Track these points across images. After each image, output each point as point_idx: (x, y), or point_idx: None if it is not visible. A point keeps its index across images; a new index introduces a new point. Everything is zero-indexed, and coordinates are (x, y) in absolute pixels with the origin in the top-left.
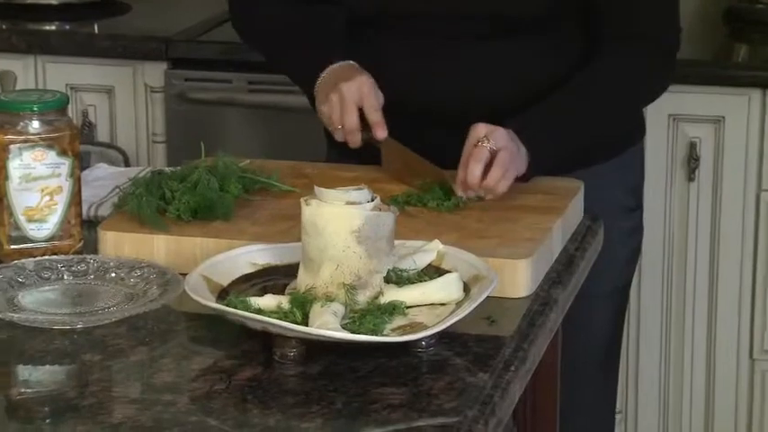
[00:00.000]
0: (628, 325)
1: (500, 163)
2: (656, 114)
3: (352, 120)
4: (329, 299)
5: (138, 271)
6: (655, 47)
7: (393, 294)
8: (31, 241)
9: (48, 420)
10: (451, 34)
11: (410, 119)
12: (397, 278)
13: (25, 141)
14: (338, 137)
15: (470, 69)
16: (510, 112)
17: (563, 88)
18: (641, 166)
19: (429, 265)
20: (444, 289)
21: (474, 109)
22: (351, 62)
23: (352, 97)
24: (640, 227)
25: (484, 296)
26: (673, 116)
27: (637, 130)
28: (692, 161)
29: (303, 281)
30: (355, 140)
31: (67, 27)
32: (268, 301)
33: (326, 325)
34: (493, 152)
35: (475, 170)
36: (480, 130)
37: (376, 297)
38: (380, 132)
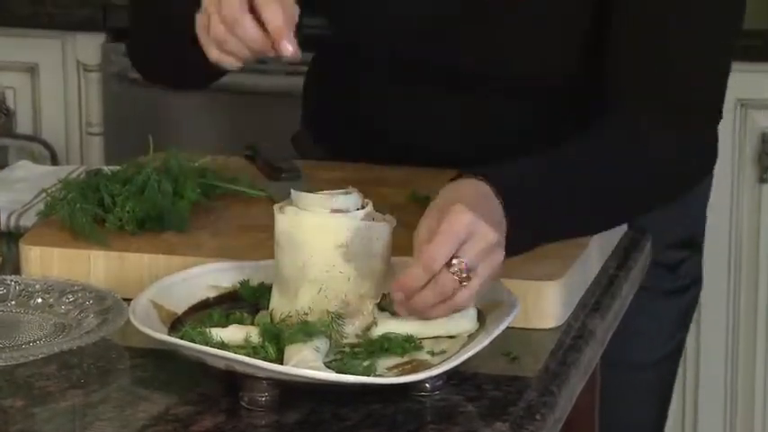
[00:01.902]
0: (685, 358)
1: (465, 296)
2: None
3: (239, 18)
4: (309, 330)
5: (70, 296)
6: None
7: (389, 325)
8: None
9: None
10: (456, 88)
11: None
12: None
13: None
14: (212, 55)
15: (469, 125)
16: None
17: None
18: (700, 207)
19: None
20: (453, 318)
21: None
22: None
23: None
24: (696, 280)
25: (503, 327)
26: (741, 101)
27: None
28: (765, 157)
29: (277, 308)
30: (239, 53)
31: None
32: (233, 332)
33: (306, 363)
34: (462, 276)
35: (427, 299)
36: (455, 232)
37: (368, 328)
38: (285, 47)
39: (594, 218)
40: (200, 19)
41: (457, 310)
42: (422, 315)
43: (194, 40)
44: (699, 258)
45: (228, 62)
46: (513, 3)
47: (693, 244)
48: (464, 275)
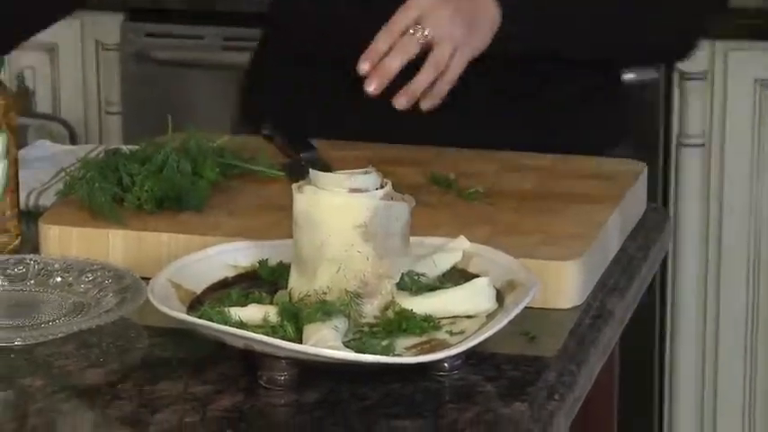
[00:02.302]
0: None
1: (433, 62)
2: (737, 77)
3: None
4: (328, 310)
5: (89, 275)
6: None
7: (408, 304)
8: None
9: None
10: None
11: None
12: (413, 284)
13: None
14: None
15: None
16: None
17: None
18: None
19: (453, 267)
20: (472, 298)
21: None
22: None
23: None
24: None
25: (521, 307)
26: (760, 81)
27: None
28: None
29: (296, 287)
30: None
31: None
32: (252, 312)
33: (325, 342)
34: (426, 45)
35: (393, 63)
36: (411, 8)
37: (386, 308)
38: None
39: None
40: None
41: (439, 67)
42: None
43: None
44: None
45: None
46: None
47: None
48: (424, 36)
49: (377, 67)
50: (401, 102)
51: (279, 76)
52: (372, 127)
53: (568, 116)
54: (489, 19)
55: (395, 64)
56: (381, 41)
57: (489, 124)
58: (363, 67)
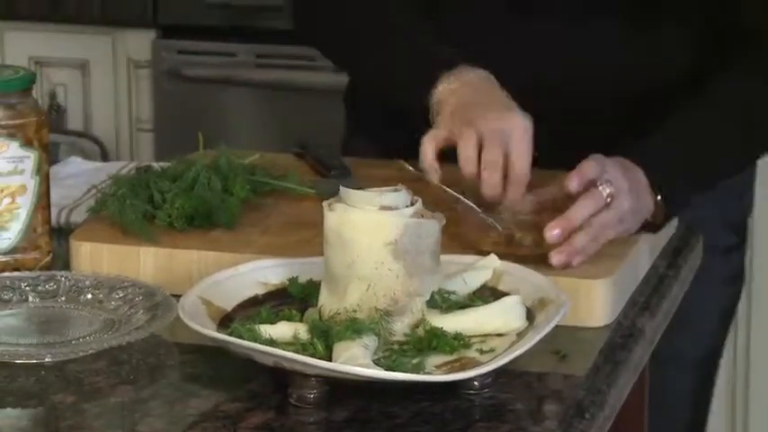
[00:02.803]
0: (735, 368)
1: (599, 224)
2: None
3: (497, 176)
4: (358, 328)
5: (120, 292)
6: None
7: (438, 322)
8: None
9: None
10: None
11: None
12: (443, 302)
13: None
14: (434, 178)
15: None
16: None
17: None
18: (750, 191)
19: (483, 285)
20: (502, 316)
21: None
22: (486, 72)
23: (499, 140)
24: (741, 275)
25: (552, 325)
26: None
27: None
28: None
29: (326, 305)
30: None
31: None
32: (282, 329)
33: (355, 360)
34: (610, 199)
35: (583, 210)
36: (595, 166)
37: (416, 326)
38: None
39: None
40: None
41: (598, 239)
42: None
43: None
44: (744, 252)
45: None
46: None
47: (741, 229)
48: (608, 193)
49: (569, 212)
50: (559, 260)
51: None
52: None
53: None
54: (647, 208)
55: (580, 216)
56: (575, 211)
57: None
58: (553, 234)
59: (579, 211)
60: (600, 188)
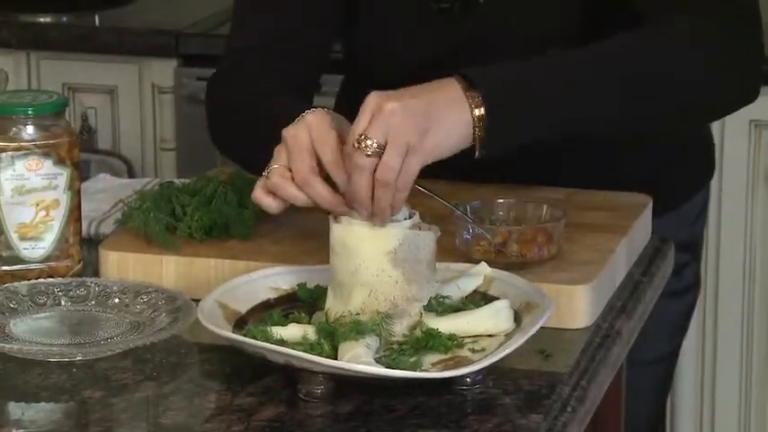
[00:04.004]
0: (703, 364)
1: (382, 178)
2: (734, 120)
3: (301, 162)
4: (361, 329)
5: (144, 296)
6: (725, 11)
7: (434, 324)
8: (25, 262)
9: None
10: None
11: None
12: (438, 305)
13: (18, 149)
14: (265, 202)
15: None
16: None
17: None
18: (703, 213)
19: (475, 290)
20: (492, 318)
21: None
22: (325, 110)
23: (301, 142)
24: (695, 284)
25: (537, 327)
26: (755, 122)
27: (703, 171)
28: None
29: (332, 308)
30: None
31: (65, 19)
32: (292, 331)
33: (358, 359)
34: (378, 152)
35: (361, 184)
36: (362, 119)
37: (414, 327)
38: (360, 212)
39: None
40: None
41: (383, 186)
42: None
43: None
44: (698, 265)
45: (274, 207)
46: None
47: (694, 249)
48: (375, 148)
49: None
50: (379, 222)
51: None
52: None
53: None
54: (455, 120)
55: (362, 191)
56: (356, 192)
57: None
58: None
59: (358, 191)
60: (360, 147)
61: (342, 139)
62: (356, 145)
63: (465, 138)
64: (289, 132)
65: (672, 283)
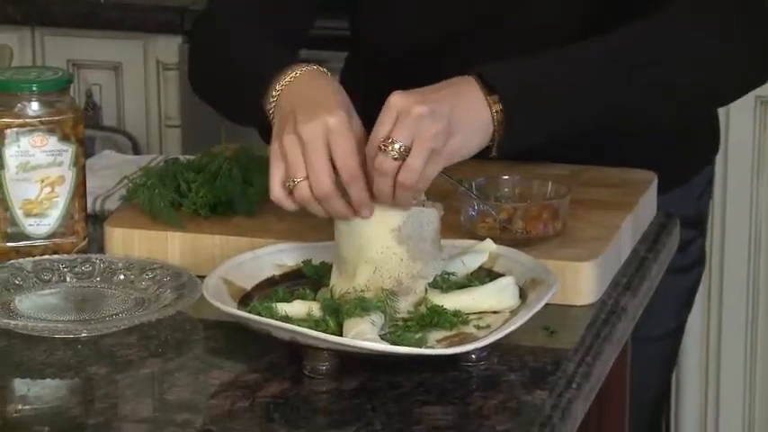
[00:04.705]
0: (707, 340)
1: (403, 178)
2: None
3: (324, 178)
4: (366, 306)
5: (149, 273)
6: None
7: (439, 300)
8: (30, 238)
9: None
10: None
11: None
12: (443, 282)
13: (23, 125)
14: (286, 202)
15: None
16: None
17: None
18: (709, 188)
19: (480, 267)
20: (497, 295)
21: None
22: (320, 68)
23: (316, 139)
24: (700, 260)
25: (542, 303)
26: (760, 99)
27: (708, 147)
28: None
29: (337, 285)
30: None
31: None
32: (297, 307)
33: (363, 335)
34: (403, 155)
35: (384, 188)
36: (386, 121)
37: (419, 304)
38: (365, 213)
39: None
40: (275, 149)
41: (405, 188)
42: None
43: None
44: (703, 241)
45: (292, 208)
46: None
47: (699, 224)
48: (401, 151)
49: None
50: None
51: (367, 82)
52: None
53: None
54: (477, 125)
55: (381, 187)
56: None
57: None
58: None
59: (381, 193)
60: (385, 151)
61: (359, 143)
62: (382, 148)
63: (484, 141)
64: (307, 132)
65: (677, 258)
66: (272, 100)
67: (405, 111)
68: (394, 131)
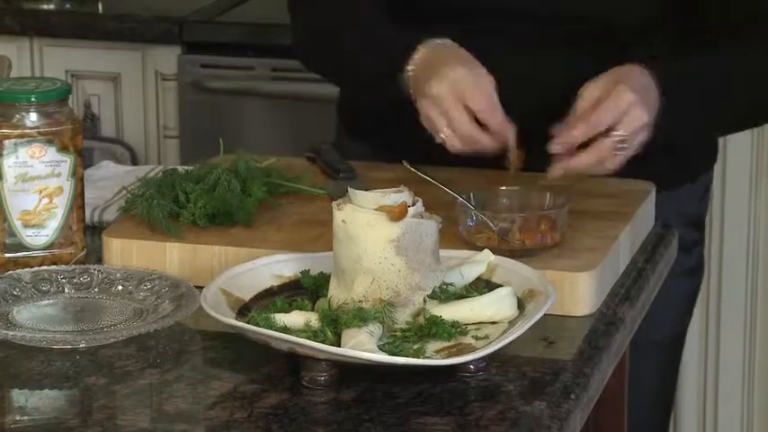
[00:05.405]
0: (706, 350)
1: (617, 162)
2: None
3: (463, 120)
4: (364, 317)
5: (148, 283)
6: None
7: (437, 311)
8: (28, 249)
9: None
10: (544, 39)
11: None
12: (441, 293)
13: (21, 136)
14: (452, 147)
15: (554, 77)
16: None
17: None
18: (707, 194)
19: (478, 278)
20: (495, 305)
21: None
22: (450, 41)
23: (457, 89)
24: (701, 266)
25: (540, 314)
26: None
27: (710, 154)
28: None
29: (335, 296)
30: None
31: (68, 6)
32: (295, 318)
33: (361, 346)
34: (618, 147)
35: (584, 162)
36: (616, 105)
37: (417, 314)
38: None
39: (749, 110)
40: (427, 109)
41: (603, 172)
42: (570, 170)
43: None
44: (702, 248)
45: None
46: None
47: (700, 227)
48: (619, 146)
49: (571, 161)
50: (555, 174)
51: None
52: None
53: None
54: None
55: (586, 163)
56: (580, 131)
57: None
58: (555, 148)
59: (581, 161)
60: (608, 140)
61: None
62: (613, 140)
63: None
64: (434, 91)
65: (682, 260)
66: (411, 68)
67: (631, 108)
68: (622, 127)
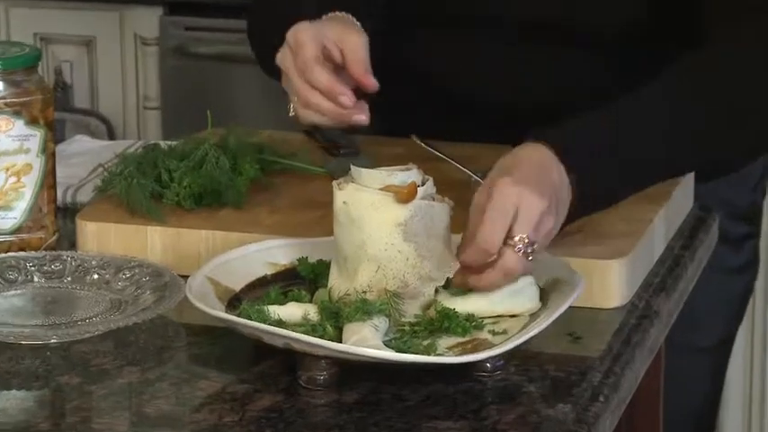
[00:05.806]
0: (752, 355)
1: (527, 268)
2: None
3: (319, 77)
4: (368, 309)
5: (127, 272)
6: None
7: (450, 303)
8: None
9: None
10: (513, 40)
11: (447, 120)
12: None
13: None
14: (301, 114)
15: (525, 76)
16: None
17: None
18: (762, 178)
19: None
20: (515, 297)
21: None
22: (343, 12)
23: (313, 40)
24: (754, 261)
25: (566, 306)
26: None
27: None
28: None
29: (336, 286)
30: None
31: None
32: (291, 310)
33: (365, 341)
34: (528, 251)
35: (493, 280)
36: (503, 208)
37: (428, 307)
38: (359, 118)
39: (684, 154)
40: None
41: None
42: (480, 288)
43: None
44: (757, 241)
45: (306, 116)
46: None
47: (753, 220)
48: (529, 250)
49: (480, 285)
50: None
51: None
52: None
53: None
54: (566, 206)
55: (492, 282)
56: (471, 257)
57: None
58: (456, 280)
59: (489, 283)
60: (509, 250)
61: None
62: (510, 244)
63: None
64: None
65: (729, 257)
66: None
67: (523, 205)
68: (518, 228)
